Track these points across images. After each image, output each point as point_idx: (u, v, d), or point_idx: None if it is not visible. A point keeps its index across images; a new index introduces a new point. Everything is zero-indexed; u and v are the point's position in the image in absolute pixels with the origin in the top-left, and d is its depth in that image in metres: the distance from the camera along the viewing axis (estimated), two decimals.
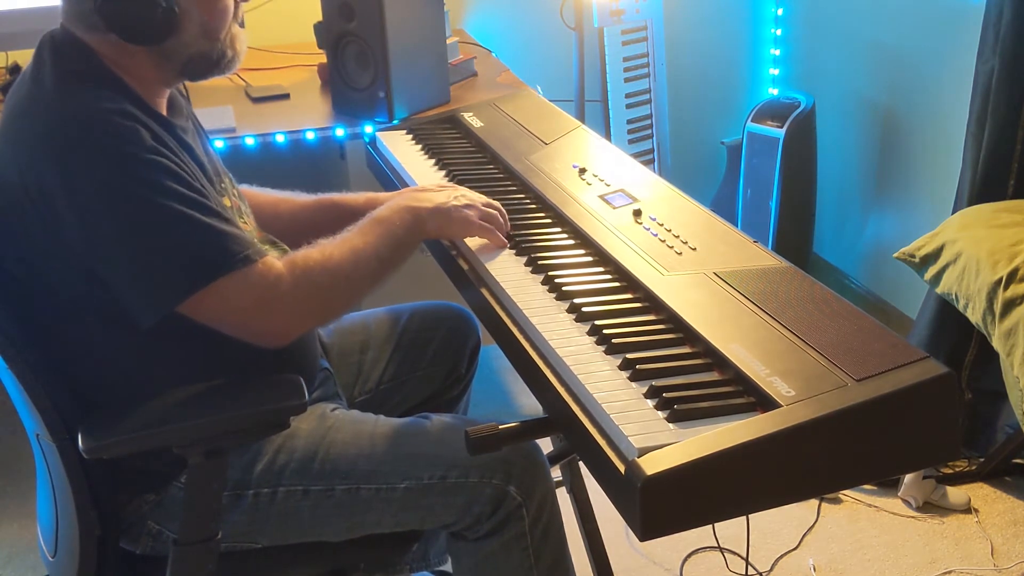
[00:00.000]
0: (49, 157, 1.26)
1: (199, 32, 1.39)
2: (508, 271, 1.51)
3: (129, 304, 1.30)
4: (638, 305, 1.41)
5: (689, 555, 2.23)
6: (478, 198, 1.60)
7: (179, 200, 1.28)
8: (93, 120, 1.28)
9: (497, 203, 1.63)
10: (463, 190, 1.63)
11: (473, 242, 1.59)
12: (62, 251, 1.29)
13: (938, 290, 2.23)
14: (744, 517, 1.94)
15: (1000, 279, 1.99)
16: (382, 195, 1.77)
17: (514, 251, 1.57)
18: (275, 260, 1.37)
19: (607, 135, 3.13)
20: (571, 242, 1.61)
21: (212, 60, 1.43)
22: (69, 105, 1.29)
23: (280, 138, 2.20)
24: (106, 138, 1.27)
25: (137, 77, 1.38)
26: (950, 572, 2.20)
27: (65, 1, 1.37)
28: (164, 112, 1.43)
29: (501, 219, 1.60)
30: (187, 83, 1.52)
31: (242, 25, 1.47)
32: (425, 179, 1.91)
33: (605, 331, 1.32)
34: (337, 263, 1.40)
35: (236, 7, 1.44)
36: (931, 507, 2.38)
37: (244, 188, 1.74)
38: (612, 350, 1.29)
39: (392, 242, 1.47)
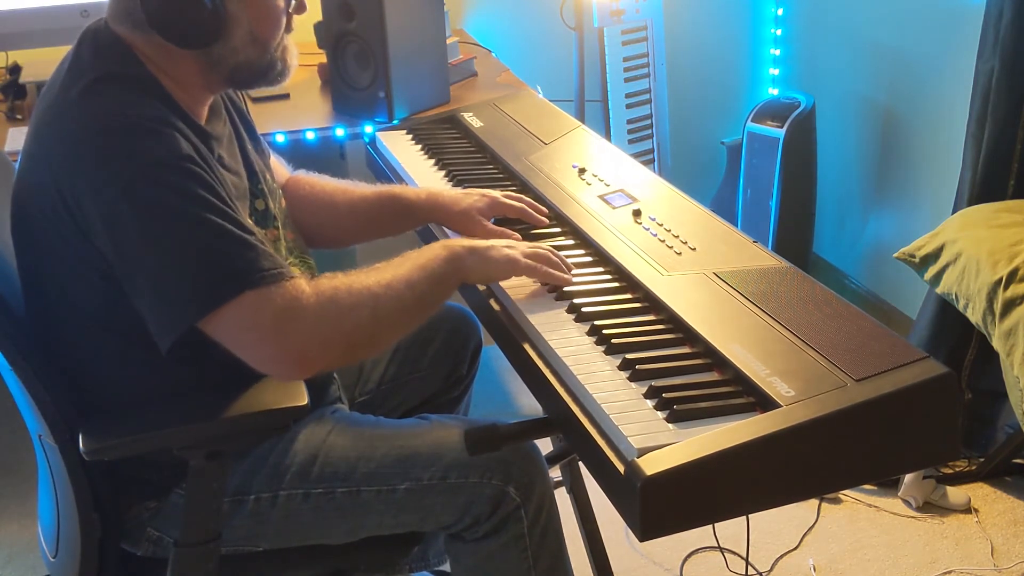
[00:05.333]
0: (82, 159, 1.23)
1: (248, 39, 1.35)
2: None
3: (151, 320, 1.25)
4: (638, 305, 1.41)
5: (689, 555, 2.23)
6: (523, 244, 1.48)
7: (209, 209, 1.23)
8: (128, 124, 1.24)
9: (546, 246, 1.49)
10: (509, 239, 1.52)
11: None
12: (91, 258, 1.26)
13: (938, 290, 2.23)
14: (744, 517, 1.94)
15: (1000, 279, 1.99)
16: (445, 192, 1.70)
17: None
18: (304, 282, 1.28)
19: (607, 135, 3.13)
20: (571, 242, 1.61)
21: (260, 70, 1.39)
22: (105, 107, 1.25)
23: (280, 138, 2.20)
24: (139, 143, 1.23)
25: (179, 82, 1.34)
26: (950, 572, 2.20)
27: None
28: (203, 120, 1.39)
29: (554, 258, 1.47)
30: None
31: (289, 30, 1.41)
32: (425, 179, 1.92)
33: (605, 331, 1.32)
34: (365, 286, 1.31)
35: (288, 18, 1.40)
36: (931, 507, 2.38)
37: (301, 174, 1.73)
38: (612, 350, 1.29)
39: (426, 275, 1.36)
